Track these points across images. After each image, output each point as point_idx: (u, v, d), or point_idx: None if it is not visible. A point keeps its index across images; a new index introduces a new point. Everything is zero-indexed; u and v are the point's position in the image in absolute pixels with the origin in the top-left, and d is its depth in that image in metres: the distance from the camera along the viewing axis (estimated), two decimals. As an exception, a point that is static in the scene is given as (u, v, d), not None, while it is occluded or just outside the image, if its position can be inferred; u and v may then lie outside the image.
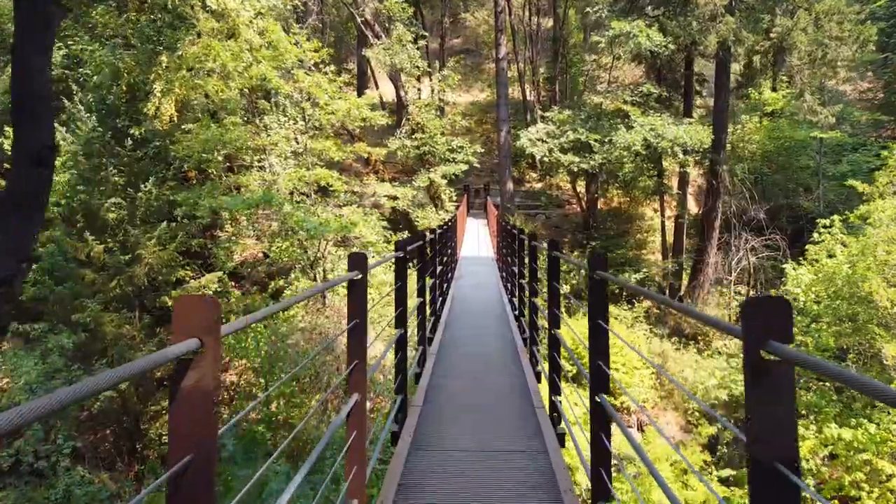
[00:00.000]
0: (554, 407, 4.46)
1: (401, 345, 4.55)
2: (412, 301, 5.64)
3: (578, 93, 25.36)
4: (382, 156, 18.06)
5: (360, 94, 21.23)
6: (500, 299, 10.02)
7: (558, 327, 4.79)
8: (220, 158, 14.78)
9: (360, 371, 2.92)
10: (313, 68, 13.82)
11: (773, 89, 22.96)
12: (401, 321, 4.55)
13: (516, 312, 8.30)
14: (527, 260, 6.97)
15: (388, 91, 26.30)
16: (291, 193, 15.05)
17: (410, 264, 6.91)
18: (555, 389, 4.56)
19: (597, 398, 2.96)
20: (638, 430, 17.68)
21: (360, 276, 2.97)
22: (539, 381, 5.54)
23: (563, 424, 4.29)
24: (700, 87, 21.61)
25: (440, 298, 8.70)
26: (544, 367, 5.53)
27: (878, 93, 27.77)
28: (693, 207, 23.52)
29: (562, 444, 4.07)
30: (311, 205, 14.09)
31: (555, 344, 4.78)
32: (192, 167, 14.36)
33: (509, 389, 5.21)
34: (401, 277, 4.67)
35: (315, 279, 14.38)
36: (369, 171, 20.08)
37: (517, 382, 5.39)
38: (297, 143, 13.71)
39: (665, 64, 20.93)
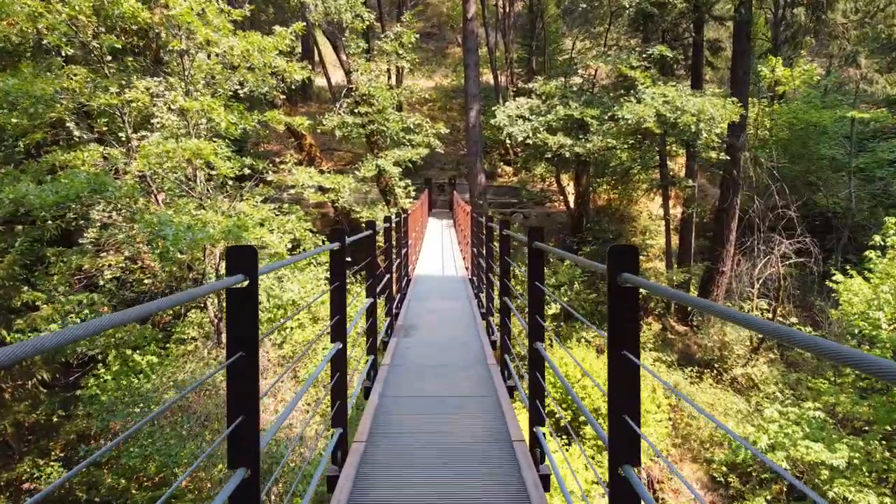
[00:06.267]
0: (535, 440, 3.43)
1: (338, 364, 3.52)
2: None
3: (559, 72, 21.33)
4: (305, 127, 13.55)
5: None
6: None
7: (542, 340, 3.64)
8: (72, 125, 10.21)
9: (249, 431, 1.83)
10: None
11: (788, 65, 19.37)
12: (339, 333, 3.55)
13: (483, 311, 7.27)
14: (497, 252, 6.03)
15: (339, 75, 21.99)
16: (210, 181, 10.61)
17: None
18: (537, 419, 3.56)
19: (620, 471, 1.87)
20: (649, 488, 13.74)
21: (245, 281, 1.82)
22: (511, 396, 4.46)
23: (546, 462, 3.31)
24: (714, 57, 17.83)
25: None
26: (520, 383, 4.43)
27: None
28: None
29: (546, 488, 3.14)
30: (197, 197, 9.64)
31: (537, 363, 3.62)
32: (25, 140, 9.74)
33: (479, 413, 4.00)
34: (338, 276, 3.63)
35: (206, 307, 9.99)
36: (303, 158, 15.62)
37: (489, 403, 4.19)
38: (164, 102, 9.19)
39: (670, 28, 17.13)
